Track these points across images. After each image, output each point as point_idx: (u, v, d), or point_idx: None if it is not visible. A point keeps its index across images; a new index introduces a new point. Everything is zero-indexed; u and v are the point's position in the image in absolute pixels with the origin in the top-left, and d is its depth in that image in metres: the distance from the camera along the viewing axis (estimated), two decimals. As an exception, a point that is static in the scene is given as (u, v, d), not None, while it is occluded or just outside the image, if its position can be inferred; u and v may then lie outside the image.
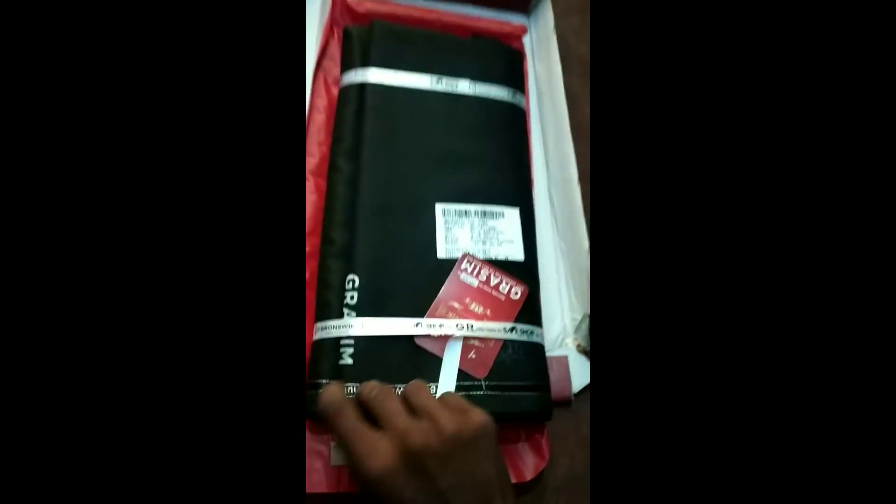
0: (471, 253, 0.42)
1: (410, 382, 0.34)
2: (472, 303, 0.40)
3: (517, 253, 0.43)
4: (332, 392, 0.33)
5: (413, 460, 0.29)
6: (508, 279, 0.41)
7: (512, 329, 0.39)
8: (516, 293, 0.41)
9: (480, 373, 0.38)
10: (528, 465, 0.39)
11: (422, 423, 0.30)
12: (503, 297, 0.40)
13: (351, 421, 0.31)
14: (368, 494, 0.29)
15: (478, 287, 0.40)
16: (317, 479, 0.36)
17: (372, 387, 0.33)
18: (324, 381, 0.37)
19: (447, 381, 0.37)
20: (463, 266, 0.41)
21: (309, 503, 0.36)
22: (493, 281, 0.41)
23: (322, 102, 0.49)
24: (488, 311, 0.40)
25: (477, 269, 0.41)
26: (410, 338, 0.38)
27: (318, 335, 0.39)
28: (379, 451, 0.29)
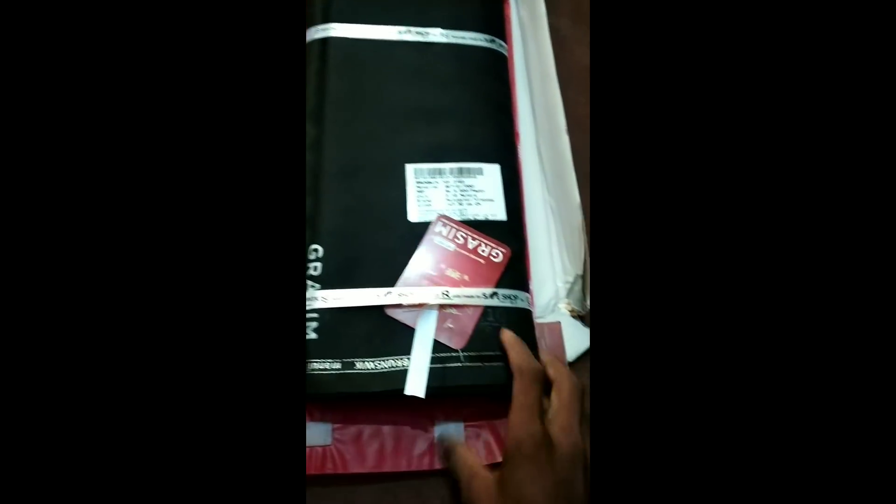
0: (445, 214, 0.38)
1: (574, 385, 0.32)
2: (448, 268, 0.36)
3: (498, 212, 0.39)
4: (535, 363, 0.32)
5: (575, 454, 0.29)
6: (488, 241, 0.37)
7: (493, 294, 0.36)
8: (497, 255, 0.37)
9: (458, 343, 0.34)
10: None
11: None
12: (483, 261, 0.37)
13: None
14: (515, 455, 0.29)
15: (454, 251, 0.37)
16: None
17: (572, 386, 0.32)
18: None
19: (421, 354, 0.34)
20: (437, 229, 0.37)
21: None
22: (471, 244, 0.37)
23: (286, 64, 0.45)
24: (466, 277, 0.36)
25: (452, 231, 0.37)
26: (380, 309, 0.35)
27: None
28: (547, 428, 0.29)
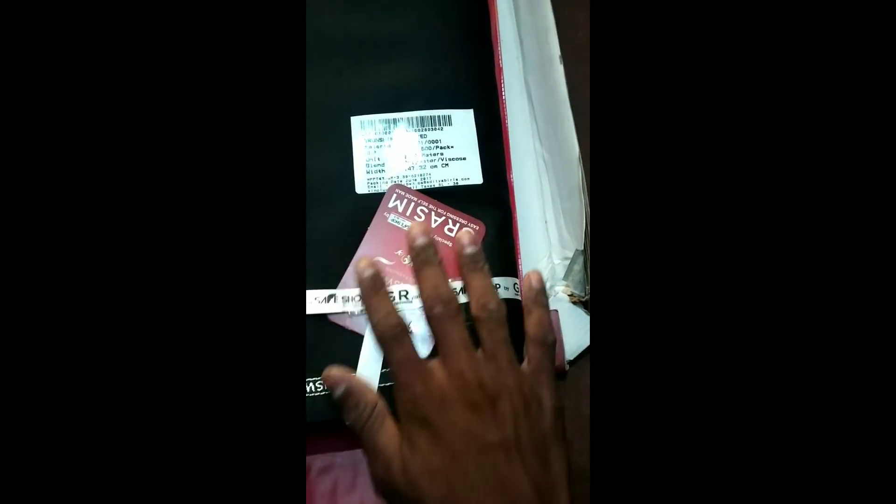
0: (401, 183, 0.29)
1: (490, 308, 0.26)
2: (406, 256, 0.28)
3: (472, 174, 0.30)
4: (390, 316, 0.26)
5: (470, 399, 0.24)
6: (457, 216, 0.29)
7: (463, 290, 0.27)
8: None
9: (422, 351, 0.26)
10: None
11: (489, 367, 0.25)
12: (451, 243, 0.28)
13: (407, 348, 0.25)
14: (409, 429, 0.24)
15: None
16: None
17: (440, 298, 0.26)
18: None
19: (369, 365, 0.26)
20: (391, 204, 0.29)
21: None
22: (436, 221, 0.29)
23: None
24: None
25: (411, 205, 0.29)
26: (322, 314, 0.27)
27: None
28: (433, 379, 0.25)
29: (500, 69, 0.34)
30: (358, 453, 0.28)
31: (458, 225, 0.28)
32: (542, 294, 0.27)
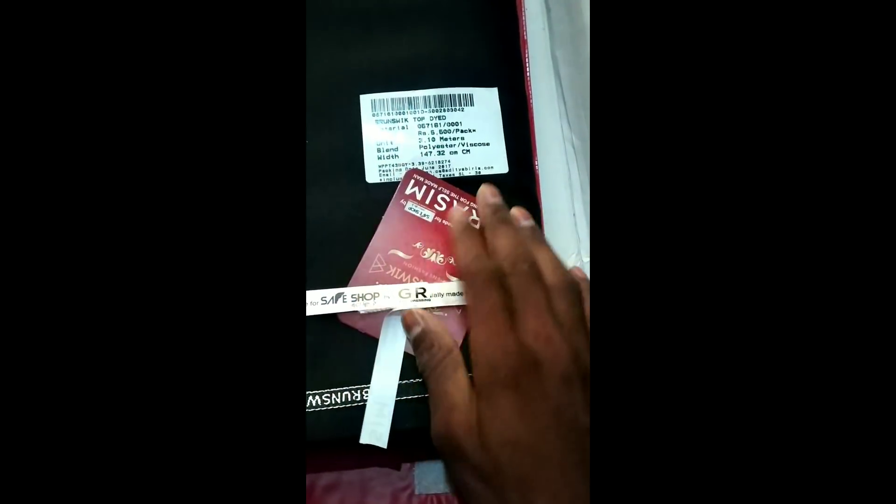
0: (419, 169, 0.26)
1: (568, 280, 0.23)
2: (426, 248, 0.25)
3: (497, 162, 0.27)
4: (483, 259, 0.23)
5: (564, 366, 0.21)
6: None
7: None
8: None
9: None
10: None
11: (580, 343, 0.22)
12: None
13: (498, 296, 0.22)
14: (490, 388, 0.21)
15: (434, 222, 0.25)
16: None
17: (526, 257, 0.23)
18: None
19: (384, 382, 0.23)
20: (408, 191, 0.26)
21: None
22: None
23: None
24: (451, 260, 0.25)
25: (431, 192, 0.26)
26: (331, 315, 0.24)
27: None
28: (522, 341, 0.21)
29: (525, 42, 0.31)
30: (366, 472, 0.25)
31: None
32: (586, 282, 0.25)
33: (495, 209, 0.24)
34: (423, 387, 0.23)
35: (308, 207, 0.25)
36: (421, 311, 0.24)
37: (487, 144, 0.27)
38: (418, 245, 0.25)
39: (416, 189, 0.26)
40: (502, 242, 0.23)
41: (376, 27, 0.28)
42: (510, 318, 0.22)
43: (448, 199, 0.26)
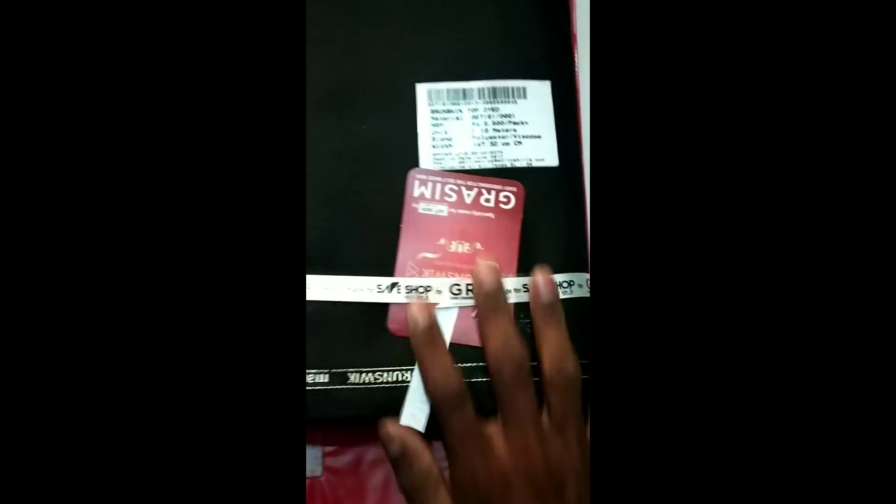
0: (422, 168, 0.26)
1: (568, 373, 0.23)
2: (450, 242, 0.26)
3: (548, 155, 0.27)
4: (450, 378, 0.23)
5: (536, 479, 0.22)
6: (490, 184, 0.26)
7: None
8: (507, 200, 0.26)
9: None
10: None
11: (557, 444, 0.22)
12: (493, 214, 0.26)
13: (468, 416, 0.23)
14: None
15: (450, 215, 0.26)
16: None
17: (512, 359, 0.23)
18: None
19: (417, 405, 0.24)
20: (415, 192, 0.26)
21: None
22: (468, 196, 0.26)
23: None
24: (478, 245, 0.26)
25: (437, 187, 0.26)
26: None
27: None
28: (495, 458, 0.22)
29: (575, 36, 0.31)
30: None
31: (493, 192, 0.26)
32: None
33: (489, 298, 0.24)
34: (470, 373, 0.24)
35: (361, 194, 0.26)
36: (397, 430, 0.23)
37: (539, 137, 0.27)
38: (442, 241, 0.26)
39: (423, 189, 0.26)
40: (491, 334, 0.23)
41: (433, 18, 0.28)
42: (482, 434, 0.22)
43: (456, 188, 0.26)
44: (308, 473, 0.26)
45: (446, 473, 0.23)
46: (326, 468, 0.26)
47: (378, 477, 0.26)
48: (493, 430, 0.23)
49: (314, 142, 0.26)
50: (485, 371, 0.24)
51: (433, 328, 0.24)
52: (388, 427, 0.23)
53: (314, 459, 0.26)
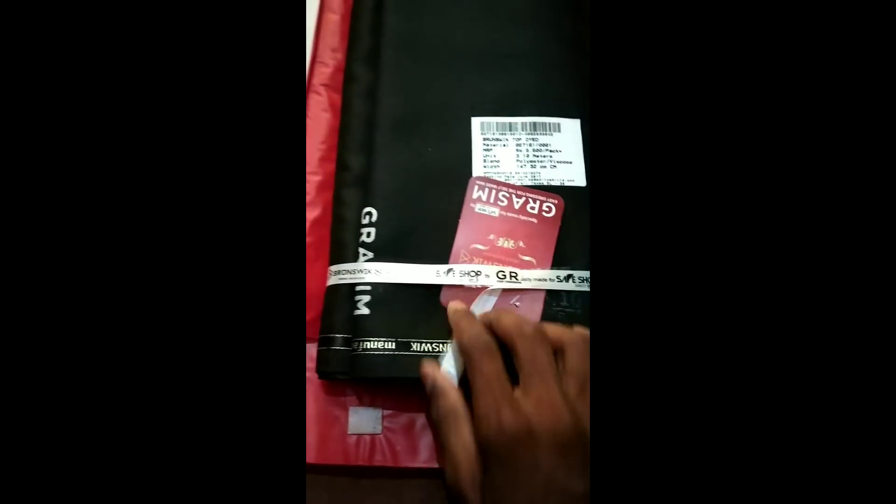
0: (481, 175, 0.32)
1: (580, 333, 0.25)
2: (498, 238, 0.31)
3: (577, 177, 0.33)
4: (482, 334, 0.25)
5: (562, 433, 0.22)
6: (535, 195, 0.32)
7: (568, 277, 0.31)
8: (549, 209, 0.32)
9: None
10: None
11: (580, 397, 0.23)
12: (536, 220, 0.32)
13: (497, 365, 0.24)
14: (488, 454, 0.23)
15: (500, 216, 0.32)
16: (333, 449, 0.30)
17: (526, 323, 0.25)
18: (338, 335, 0.31)
19: (452, 362, 0.29)
20: (475, 195, 0.32)
21: (324, 474, 0.31)
22: (517, 202, 0.32)
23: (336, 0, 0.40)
24: (521, 243, 0.31)
25: (493, 192, 0.32)
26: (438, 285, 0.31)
27: (331, 280, 0.32)
28: (520, 408, 0.22)
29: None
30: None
31: (537, 202, 0.32)
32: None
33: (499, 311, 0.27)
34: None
35: (424, 200, 0.32)
36: (432, 369, 0.26)
37: (571, 163, 0.33)
38: (491, 237, 0.31)
39: (481, 192, 0.32)
40: (507, 318, 0.25)
41: (486, 65, 0.35)
42: (509, 385, 0.23)
43: (508, 195, 0.32)
44: (370, 431, 0.31)
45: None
46: (385, 427, 0.31)
47: (429, 437, 0.31)
48: (517, 389, 0.24)
49: (386, 158, 0.33)
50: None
51: (468, 310, 0.28)
52: (425, 367, 0.27)
53: (375, 419, 0.31)
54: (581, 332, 0.26)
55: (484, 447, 0.23)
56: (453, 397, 0.25)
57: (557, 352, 0.25)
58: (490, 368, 0.24)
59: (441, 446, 0.25)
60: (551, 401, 0.22)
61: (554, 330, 0.26)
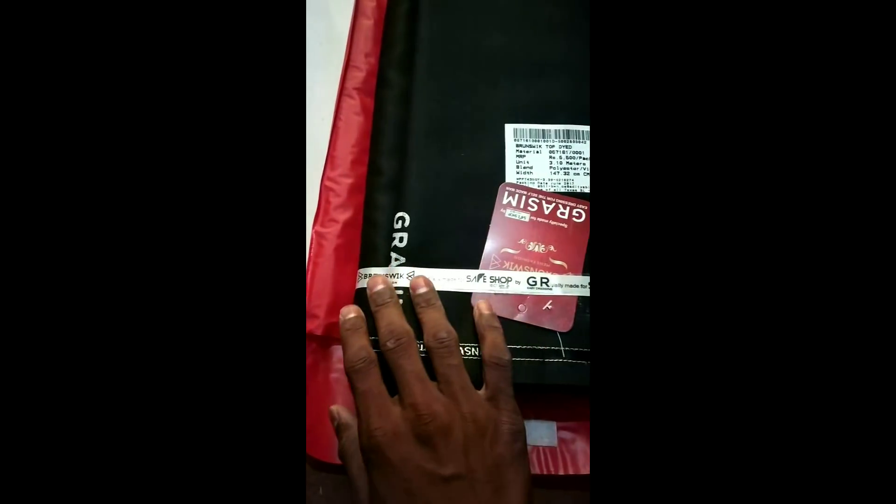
0: (511, 182, 0.33)
1: (440, 337, 0.27)
2: (528, 242, 0.31)
3: (610, 185, 0.33)
4: (362, 350, 0.27)
5: (422, 433, 0.24)
6: (565, 201, 0.32)
7: (600, 281, 0.31)
8: (580, 215, 0.32)
9: (564, 325, 0.30)
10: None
11: (442, 397, 0.26)
12: (566, 225, 0.32)
13: (371, 382, 0.26)
14: (367, 462, 0.25)
15: (530, 221, 0.32)
16: (333, 445, 0.30)
17: (392, 333, 0.27)
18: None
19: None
20: (504, 200, 0.32)
21: (324, 471, 0.31)
22: (547, 208, 0.32)
23: (370, 4, 0.40)
24: (552, 247, 0.31)
25: (523, 198, 0.32)
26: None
27: (361, 283, 0.32)
28: (389, 414, 0.25)
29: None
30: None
31: (567, 207, 0.32)
32: (493, 318, 0.29)
33: (375, 297, 0.29)
34: (542, 355, 0.29)
35: (457, 204, 0.32)
36: (336, 408, 0.28)
37: (603, 170, 0.33)
38: (522, 241, 0.32)
39: (511, 198, 0.32)
40: (379, 324, 0.28)
41: (520, 72, 0.35)
42: (386, 396, 0.26)
43: (538, 201, 0.32)
44: (547, 443, 0.30)
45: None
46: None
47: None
48: (394, 398, 0.26)
49: (420, 163, 0.33)
50: (554, 356, 0.29)
51: (357, 321, 0.28)
52: (330, 408, 0.28)
53: (551, 432, 0.31)
54: (438, 335, 0.27)
55: (364, 456, 0.26)
56: (354, 430, 0.27)
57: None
58: (364, 386, 0.26)
59: (349, 478, 0.27)
60: (413, 402, 0.25)
61: (426, 334, 0.28)
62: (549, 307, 0.30)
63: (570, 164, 0.34)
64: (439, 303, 0.29)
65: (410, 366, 0.26)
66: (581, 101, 0.35)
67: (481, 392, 0.27)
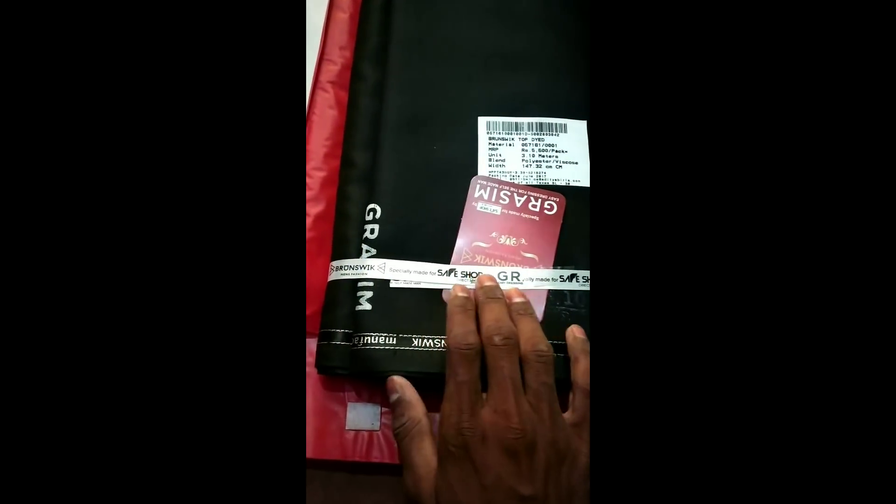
0: (483, 175, 0.32)
1: (540, 350, 0.26)
2: (500, 236, 0.31)
3: (582, 177, 0.33)
4: (470, 335, 0.26)
5: (510, 446, 0.23)
6: (537, 193, 0.32)
7: (572, 276, 0.31)
8: (551, 207, 0.32)
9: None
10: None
11: (533, 414, 0.25)
12: (537, 217, 0.31)
13: (473, 373, 0.25)
14: (446, 453, 0.24)
15: (502, 214, 0.32)
16: (330, 444, 0.30)
17: (501, 330, 0.26)
18: (339, 330, 0.31)
19: None
20: (476, 194, 0.32)
21: (321, 469, 0.30)
22: (519, 201, 0.32)
23: (345, -2, 0.40)
24: (523, 240, 0.31)
25: (494, 191, 0.32)
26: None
27: (333, 276, 0.32)
28: (480, 414, 0.24)
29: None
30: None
31: (539, 200, 0.32)
32: (587, 343, 0.28)
33: (487, 290, 0.28)
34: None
35: (429, 198, 0.32)
36: (401, 381, 0.27)
37: (576, 163, 0.33)
38: (493, 234, 0.31)
39: (483, 191, 0.32)
40: (487, 316, 0.27)
41: (493, 67, 0.35)
42: (479, 392, 0.25)
43: (509, 193, 0.32)
44: (368, 427, 0.30)
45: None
46: (383, 424, 0.31)
47: (427, 435, 0.30)
48: (484, 396, 0.26)
49: (392, 155, 0.33)
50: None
51: (468, 301, 0.28)
52: (394, 379, 0.27)
53: (374, 416, 0.31)
54: (537, 347, 0.26)
55: (441, 451, 0.24)
56: (418, 411, 0.26)
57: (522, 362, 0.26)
58: (464, 377, 0.25)
59: (402, 459, 0.26)
60: (506, 410, 0.24)
61: (524, 342, 0.26)
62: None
63: (543, 156, 0.33)
64: (535, 313, 0.28)
65: (510, 370, 0.25)
66: (554, 94, 0.35)
67: (567, 415, 0.26)
